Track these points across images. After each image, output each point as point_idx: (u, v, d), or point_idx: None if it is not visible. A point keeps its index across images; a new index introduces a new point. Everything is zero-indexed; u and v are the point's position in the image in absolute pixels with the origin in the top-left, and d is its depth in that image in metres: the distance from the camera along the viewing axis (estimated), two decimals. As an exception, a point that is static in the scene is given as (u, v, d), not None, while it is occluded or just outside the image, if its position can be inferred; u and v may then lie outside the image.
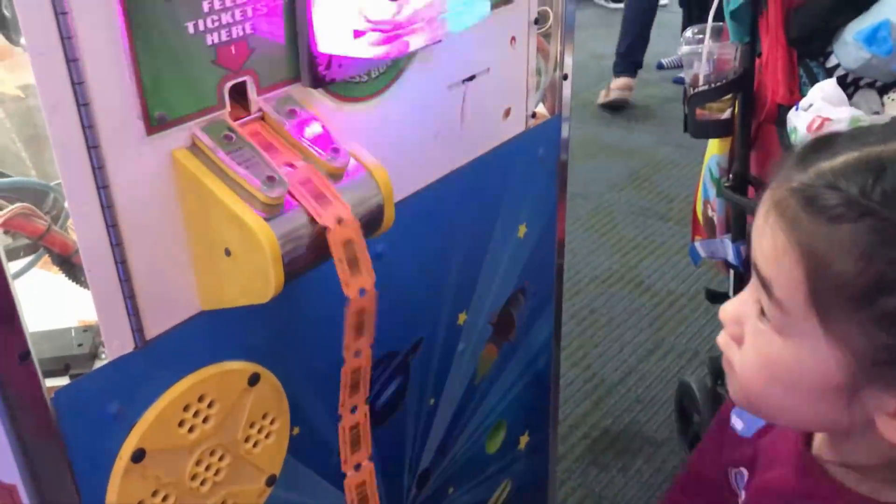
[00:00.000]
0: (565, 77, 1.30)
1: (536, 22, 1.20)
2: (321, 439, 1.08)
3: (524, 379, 1.48)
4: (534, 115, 1.27)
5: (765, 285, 0.64)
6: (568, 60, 1.29)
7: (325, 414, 1.07)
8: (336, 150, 0.84)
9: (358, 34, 0.83)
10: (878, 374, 0.61)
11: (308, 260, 0.83)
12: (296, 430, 1.03)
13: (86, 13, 0.68)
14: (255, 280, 0.80)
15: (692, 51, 1.88)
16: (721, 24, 1.85)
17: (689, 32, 1.90)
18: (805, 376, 0.64)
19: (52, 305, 0.92)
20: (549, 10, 1.25)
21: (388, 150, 1.01)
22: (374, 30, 0.82)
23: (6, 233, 0.85)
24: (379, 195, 0.87)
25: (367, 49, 0.84)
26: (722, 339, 0.72)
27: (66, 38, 0.68)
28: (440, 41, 1.00)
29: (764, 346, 0.66)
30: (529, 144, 1.28)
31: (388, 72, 0.99)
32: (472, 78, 1.12)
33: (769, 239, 0.64)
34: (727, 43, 1.85)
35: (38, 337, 0.83)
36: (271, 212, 0.79)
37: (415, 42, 0.87)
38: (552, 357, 1.54)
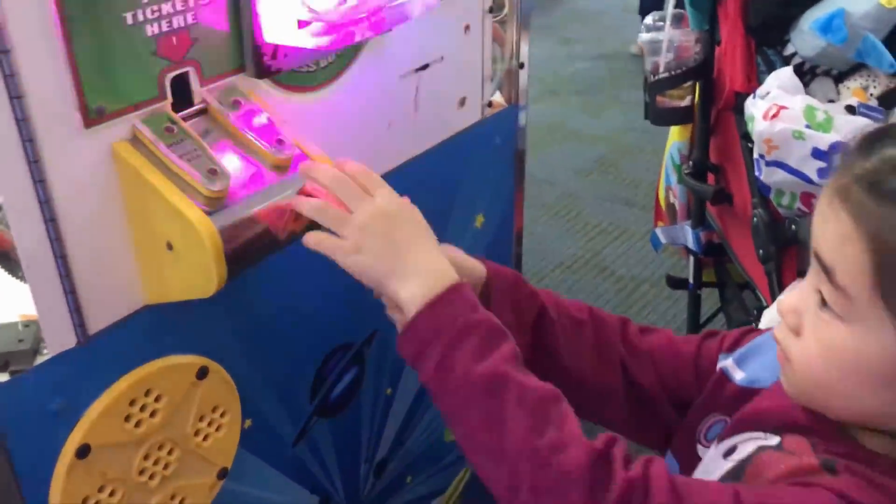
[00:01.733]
0: (521, 66, 1.30)
1: (491, 10, 1.20)
2: (274, 431, 1.07)
3: (483, 367, 1.48)
4: (489, 105, 1.27)
5: (827, 272, 0.64)
6: (524, 49, 1.29)
7: (278, 404, 1.07)
8: (280, 143, 0.83)
9: (302, 24, 0.82)
10: None
11: (252, 254, 0.82)
12: (248, 423, 1.03)
13: (15, 4, 0.67)
14: (197, 274, 0.79)
15: (653, 38, 1.88)
16: (681, 11, 1.86)
17: (649, 19, 1.90)
18: (870, 363, 0.63)
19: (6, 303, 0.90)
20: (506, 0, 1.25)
21: (339, 140, 1.01)
22: (317, 20, 0.81)
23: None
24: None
25: (311, 39, 0.83)
26: (779, 331, 0.71)
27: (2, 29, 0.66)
28: (389, 30, 1.00)
29: (826, 334, 0.66)
30: (485, 134, 1.27)
31: (337, 61, 0.98)
32: (425, 67, 1.11)
33: (832, 224, 0.64)
34: (687, 30, 1.86)
35: (-23, 334, 0.82)
36: (214, 205, 0.78)
37: (360, 33, 0.86)
38: (511, 345, 1.54)
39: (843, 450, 0.66)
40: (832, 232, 0.64)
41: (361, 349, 1.18)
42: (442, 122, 1.18)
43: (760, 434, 0.72)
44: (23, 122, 0.70)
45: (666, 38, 1.87)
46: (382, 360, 1.23)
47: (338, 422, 1.19)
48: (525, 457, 0.66)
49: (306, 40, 0.83)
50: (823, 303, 0.65)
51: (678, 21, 1.88)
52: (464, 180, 1.26)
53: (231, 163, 0.82)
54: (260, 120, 0.85)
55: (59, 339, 0.80)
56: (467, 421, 0.70)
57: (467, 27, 1.16)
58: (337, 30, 0.84)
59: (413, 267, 0.75)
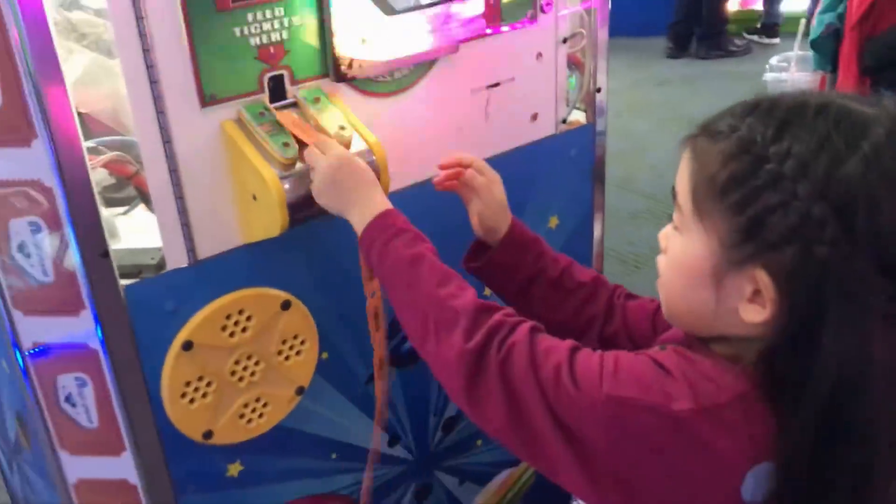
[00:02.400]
0: (598, 90, 1.49)
1: (565, 41, 1.41)
2: (348, 367, 1.34)
3: (560, 358, 1.67)
4: (564, 121, 1.47)
5: (674, 197, 0.85)
6: (601, 77, 1.49)
7: (352, 345, 1.33)
8: (343, 128, 1.11)
9: (364, 41, 1.10)
10: (736, 258, 0.78)
11: (310, 211, 1.09)
12: (325, 355, 1.30)
13: (157, 18, 1.00)
14: (269, 219, 1.08)
15: (776, 79, 1.98)
16: (806, 53, 1.95)
17: (773, 60, 2.00)
18: (691, 266, 0.83)
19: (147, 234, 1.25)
20: (584, 31, 1.46)
21: (411, 138, 1.27)
22: (375, 39, 1.09)
23: (110, 174, 1.19)
24: (376, 165, 1.12)
25: (371, 52, 1.10)
26: (658, 258, 0.91)
27: (143, 35, 0.99)
28: (456, 52, 1.25)
29: (672, 248, 0.87)
30: (560, 146, 1.48)
31: (411, 74, 1.24)
32: (495, 85, 1.35)
33: (681, 163, 0.85)
34: (811, 72, 1.94)
35: (125, 252, 1.16)
36: (285, 169, 1.07)
37: (409, 48, 1.12)
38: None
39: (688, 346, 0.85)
40: (680, 168, 0.85)
41: (431, 315, 1.42)
42: (513, 134, 1.41)
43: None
44: (157, 98, 1.03)
45: (790, 78, 1.96)
46: (452, 329, 1.46)
47: (408, 373, 1.43)
48: (430, 301, 0.93)
49: (367, 53, 1.11)
50: (675, 226, 0.86)
51: (802, 62, 1.97)
52: (536, 183, 1.47)
53: (305, 139, 1.10)
54: (332, 112, 1.13)
55: (176, 259, 1.11)
56: (396, 287, 0.99)
57: (539, 55, 1.38)
58: (391, 45, 1.10)
59: (356, 202, 1.05)
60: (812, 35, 1.88)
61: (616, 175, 3.44)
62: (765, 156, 0.76)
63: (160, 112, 1.03)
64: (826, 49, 1.87)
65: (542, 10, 1.35)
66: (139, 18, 0.98)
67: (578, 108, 1.53)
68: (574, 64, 1.48)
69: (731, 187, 0.78)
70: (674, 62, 5.23)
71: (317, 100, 1.13)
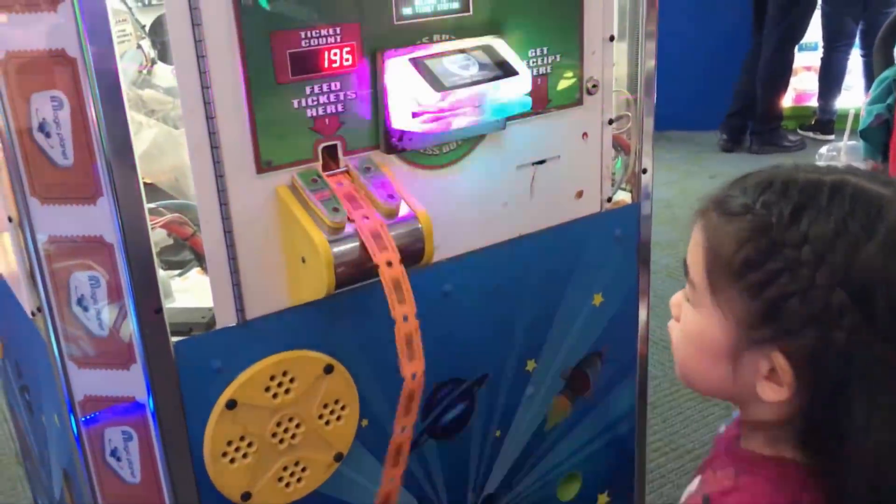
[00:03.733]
0: (644, 171, 1.52)
1: (611, 122, 1.45)
2: (387, 435, 1.34)
3: (603, 439, 1.65)
4: (609, 200, 1.50)
5: (686, 271, 0.86)
6: (647, 158, 1.51)
7: (392, 413, 1.34)
8: (391, 197, 1.15)
9: (415, 115, 1.15)
10: (753, 338, 0.79)
11: (357, 275, 1.13)
12: (365, 422, 1.31)
13: (221, 90, 1.06)
14: (317, 281, 1.11)
15: (826, 166, 1.98)
16: (856, 142, 1.95)
17: (824, 150, 2.01)
18: (707, 341, 0.83)
19: (200, 295, 1.29)
20: (630, 114, 1.50)
21: (458, 210, 1.31)
22: (425, 112, 1.13)
23: (168, 235, 1.25)
24: (421, 233, 1.16)
25: (421, 125, 1.15)
26: (670, 324, 0.92)
27: (207, 104, 1.06)
28: (503, 128, 1.30)
29: (686, 319, 0.87)
30: (605, 224, 1.50)
31: (459, 149, 1.29)
32: (541, 162, 1.38)
33: (693, 236, 0.85)
34: (861, 161, 1.94)
35: (178, 310, 1.20)
36: (334, 233, 1.11)
37: (457, 123, 1.17)
38: (637, 427, 1.69)
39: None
40: (692, 242, 0.85)
41: (472, 388, 1.43)
42: (559, 209, 1.44)
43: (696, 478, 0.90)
44: (217, 164, 1.08)
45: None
46: (493, 403, 1.46)
47: (448, 446, 1.43)
48: None
49: (417, 126, 1.15)
50: (687, 297, 0.86)
51: (854, 152, 1.97)
52: (580, 261, 1.49)
53: (354, 206, 1.14)
54: (381, 182, 1.17)
55: (225, 319, 1.15)
56: None
57: (585, 134, 1.42)
58: (438, 120, 1.15)
59: None
60: (861, 125, 1.89)
61: (666, 263, 3.43)
62: (781, 240, 0.76)
63: (219, 176, 1.09)
64: (876, 139, 1.87)
65: (589, 92, 1.39)
66: (204, 88, 1.05)
67: (624, 189, 1.55)
68: (620, 145, 1.51)
69: (747, 271, 0.78)
70: (727, 156, 5.25)
71: (367, 169, 1.18)
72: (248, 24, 1.06)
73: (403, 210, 1.16)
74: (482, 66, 1.19)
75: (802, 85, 5.57)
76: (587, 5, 1.35)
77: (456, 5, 1.22)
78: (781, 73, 5.07)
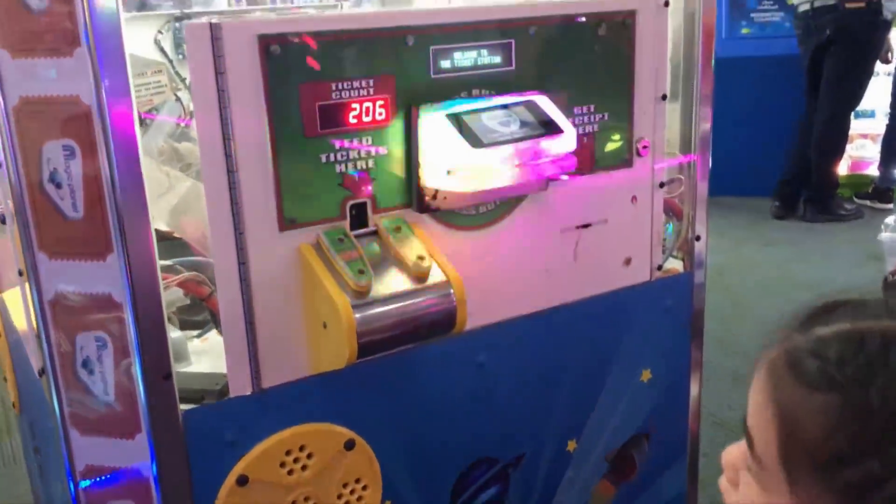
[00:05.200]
0: (697, 238, 1.42)
1: (662, 186, 1.35)
2: (412, 519, 1.24)
3: (650, 528, 1.51)
4: (660, 268, 1.39)
5: (748, 438, 0.69)
6: (700, 225, 1.41)
7: (417, 496, 1.23)
8: (421, 258, 1.06)
9: (450, 173, 1.07)
10: None
11: (382, 343, 1.04)
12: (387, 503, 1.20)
13: (245, 140, 0.99)
14: (338, 348, 1.02)
15: (893, 239, 1.86)
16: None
17: (890, 220, 1.89)
18: None
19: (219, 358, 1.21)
20: (682, 177, 1.40)
21: (494, 275, 1.22)
22: (461, 170, 1.05)
23: (185, 294, 1.17)
24: (453, 299, 1.07)
25: (456, 184, 1.07)
26: (722, 482, 0.76)
27: (228, 156, 0.99)
28: (546, 189, 1.21)
29: (749, 494, 0.69)
30: (654, 294, 1.39)
31: (497, 209, 1.20)
32: (586, 226, 1.29)
33: (757, 394, 0.68)
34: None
35: (191, 375, 1.12)
36: (359, 296, 1.02)
37: (496, 182, 1.08)
38: (687, 516, 1.55)
39: None
40: (755, 400, 0.68)
41: (506, 469, 1.31)
42: (604, 277, 1.34)
43: None
44: (237, 219, 1.01)
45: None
46: (529, 487, 1.35)
47: (478, 531, 1.31)
48: None
49: (453, 185, 1.07)
50: (749, 467, 0.69)
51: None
52: (628, 333, 1.38)
53: (383, 269, 1.06)
54: (412, 242, 1.09)
55: (240, 386, 1.07)
56: None
57: (634, 198, 1.33)
58: (475, 179, 1.07)
59: None
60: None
61: (717, 333, 3.27)
62: (883, 438, 0.60)
63: (239, 233, 1.02)
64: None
65: (639, 154, 1.30)
66: (227, 139, 0.98)
67: (675, 257, 1.45)
68: (672, 210, 1.41)
69: (838, 467, 0.61)
70: (780, 223, 5.09)
71: (398, 229, 1.10)
72: (275, 73, 1.00)
73: (435, 273, 1.07)
74: (524, 124, 1.11)
75: (858, 152, 5.41)
76: (638, 62, 1.27)
77: (497, 59, 1.15)
78: (837, 139, 4.93)
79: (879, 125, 5.47)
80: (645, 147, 1.30)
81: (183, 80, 1.81)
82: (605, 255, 1.33)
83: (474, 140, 1.06)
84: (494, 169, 1.08)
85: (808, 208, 5.06)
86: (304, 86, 1.02)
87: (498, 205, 1.20)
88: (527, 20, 1.16)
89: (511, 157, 1.08)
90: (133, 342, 0.99)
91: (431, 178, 1.09)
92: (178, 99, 1.79)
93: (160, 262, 1.02)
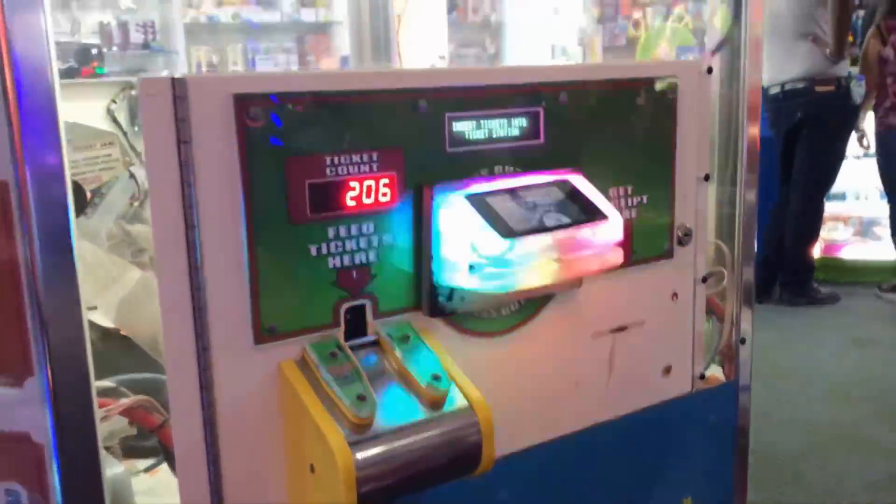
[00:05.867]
0: (742, 341, 1.21)
1: (704, 280, 1.15)
2: None
3: None
4: (702, 377, 1.18)
5: None
6: (746, 325, 1.21)
7: None
8: (437, 378, 0.83)
9: (473, 268, 0.85)
10: None
11: (390, 490, 0.80)
12: None
13: (214, 227, 0.77)
14: (330, 498, 0.78)
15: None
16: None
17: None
18: None
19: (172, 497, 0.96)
20: (724, 270, 1.20)
21: (517, 391, 0.99)
22: (486, 264, 0.84)
23: (130, 423, 0.92)
24: (478, 431, 0.84)
25: (480, 282, 0.85)
26: None
27: (191, 246, 0.76)
28: (580, 286, 1.00)
29: None
30: (697, 408, 1.18)
31: (522, 310, 0.99)
32: (622, 329, 1.08)
33: None
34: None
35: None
36: (359, 431, 0.79)
37: (527, 280, 0.87)
38: None
39: None
40: None
41: None
42: (642, 390, 1.12)
43: None
44: (200, 330, 0.78)
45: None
46: None
47: None
48: None
49: (476, 283, 0.85)
50: None
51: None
52: (669, 454, 1.16)
53: (387, 392, 0.83)
54: (423, 355, 0.86)
55: (200, 546, 0.81)
56: None
57: (675, 295, 1.12)
58: (503, 276, 0.85)
59: None
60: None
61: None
62: None
63: (202, 349, 0.78)
64: None
65: (681, 242, 1.10)
66: (190, 227, 0.76)
67: (715, 362, 1.24)
68: (713, 309, 1.21)
69: None
70: (757, 307, 4.95)
71: (405, 338, 0.87)
72: (255, 143, 0.78)
73: (454, 397, 0.84)
74: (560, 208, 0.91)
75: (831, 235, 5.37)
76: (680, 136, 1.08)
77: (525, 131, 0.95)
78: (812, 223, 4.87)
79: (851, 208, 5.45)
80: (687, 235, 1.11)
81: (138, 153, 1.59)
82: (642, 364, 1.11)
83: (504, 228, 0.85)
84: (523, 263, 0.86)
85: (784, 292, 4.96)
86: (292, 160, 0.80)
87: (523, 305, 0.99)
88: (557, 85, 0.97)
89: (549, 249, 0.86)
90: (57, 496, 0.73)
91: (448, 274, 0.88)
92: (131, 175, 1.57)
93: (98, 384, 0.78)
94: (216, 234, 0.77)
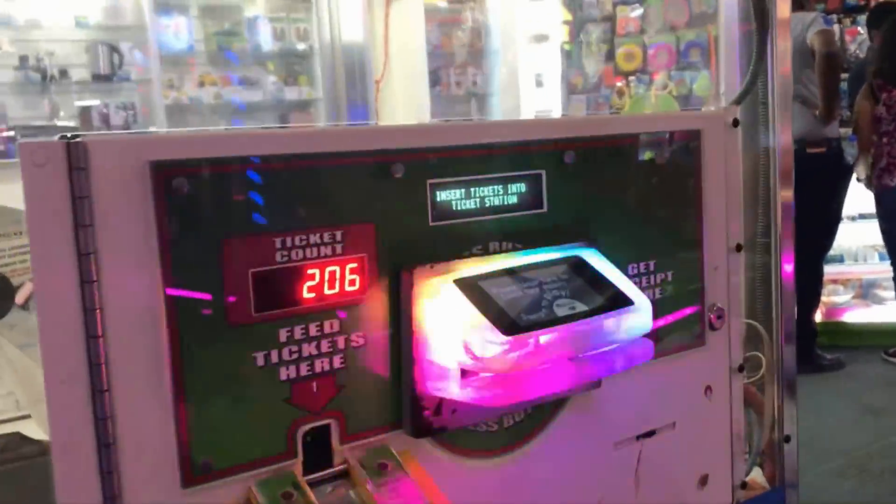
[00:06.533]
0: (787, 439, 1.02)
1: (741, 369, 0.97)
2: None
3: None
4: (743, 486, 0.99)
5: None
6: (789, 422, 1.02)
7: None
8: (426, 524, 0.64)
9: (466, 375, 0.67)
10: None
11: None
12: None
13: (124, 334, 0.58)
14: None
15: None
16: None
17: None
18: None
19: None
20: (762, 355, 1.02)
21: (527, 521, 0.79)
22: (481, 369, 0.65)
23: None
24: (481, 591, 0.64)
25: (475, 392, 0.66)
26: None
27: (94, 364, 0.57)
28: (598, 386, 0.81)
29: None
30: (739, 524, 0.98)
31: (529, 420, 0.79)
32: (650, 434, 0.89)
33: None
34: None
35: None
36: None
37: (539, 386, 0.68)
38: None
39: None
40: None
41: None
42: (675, 506, 0.92)
43: None
44: (107, 475, 0.58)
45: None
46: None
47: None
48: None
49: (470, 394, 0.67)
50: None
51: None
52: (709, 587, 0.95)
53: (359, 545, 0.63)
54: (407, 492, 0.67)
55: None
56: None
57: (708, 388, 0.94)
58: (507, 384, 0.66)
59: None
60: None
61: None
62: None
63: (109, 497, 0.58)
64: None
65: (713, 326, 0.92)
66: (92, 337, 0.57)
67: (756, 465, 1.05)
68: (750, 402, 1.02)
69: None
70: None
71: (382, 468, 0.68)
72: (180, 223, 0.60)
73: (447, 547, 0.65)
74: (571, 291, 0.72)
75: (831, 298, 5.23)
76: (707, 200, 0.91)
77: (524, 198, 0.77)
78: (812, 287, 4.72)
79: (849, 269, 5.34)
80: (720, 318, 0.93)
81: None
82: (675, 474, 0.92)
83: (504, 321, 0.67)
84: (533, 363, 0.68)
85: (789, 359, 4.77)
86: (230, 242, 0.62)
87: (531, 414, 0.79)
88: (561, 142, 0.80)
89: (562, 346, 0.68)
90: None
91: (435, 382, 0.69)
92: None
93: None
94: (129, 345, 0.59)
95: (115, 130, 4.62)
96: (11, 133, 4.22)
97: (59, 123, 4.46)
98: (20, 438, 1.34)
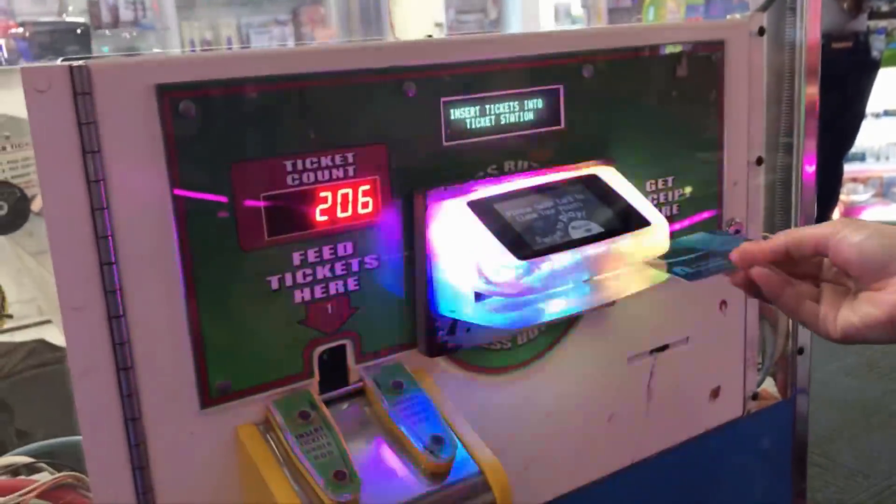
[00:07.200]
0: (800, 351, 1.03)
1: (757, 283, 0.96)
2: None
3: None
4: (755, 397, 1.00)
5: None
6: (804, 332, 1.02)
7: None
8: (438, 441, 0.65)
9: (480, 297, 0.66)
10: None
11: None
12: None
13: (136, 262, 0.58)
14: None
15: None
16: None
17: None
18: None
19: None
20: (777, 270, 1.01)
21: (539, 433, 0.81)
22: (496, 293, 0.65)
23: None
24: (492, 500, 0.65)
25: (489, 315, 0.66)
26: None
27: (109, 292, 0.58)
28: (612, 304, 0.81)
29: None
30: (748, 435, 1.00)
31: (542, 337, 0.80)
32: (663, 348, 0.89)
33: None
34: None
35: None
36: (339, 519, 0.60)
37: (552, 308, 0.68)
38: None
39: None
40: None
41: None
42: (686, 418, 0.94)
43: None
44: (128, 398, 0.59)
45: None
46: None
47: None
48: None
49: (484, 316, 0.67)
50: None
51: None
52: (717, 492, 0.98)
53: (375, 462, 0.65)
54: (422, 409, 0.68)
55: None
56: None
57: (723, 303, 0.94)
58: (521, 307, 0.66)
59: None
60: None
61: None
62: None
63: (131, 420, 0.60)
64: None
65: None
66: (105, 263, 0.57)
67: (770, 376, 1.06)
68: (765, 317, 1.02)
69: None
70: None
71: (397, 386, 0.69)
72: (188, 148, 0.59)
73: (461, 462, 0.66)
74: (588, 212, 0.71)
75: (850, 197, 5.18)
76: (728, 113, 0.88)
77: (541, 115, 0.75)
78: (830, 186, 4.66)
79: (870, 168, 5.26)
80: (738, 231, 0.91)
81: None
82: (687, 388, 0.93)
83: (518, 244, 0.66)
84: (546, 282, 0.67)
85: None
86: (240, 166, 0.61)
87: (544, 332, 0.80)
88: (580, 56, 0.77)
89: (576, 269, 0.67)
90: None
91: (449, 303, 0.69)
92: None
93: (7, 460, 0.60)
94: (142, 271, 0.59)
95: (124, 26, 4.54)
96: (20, 30, 4.14)
97: (68, 19, 4.37)
98: (43, 345, 1.38)
